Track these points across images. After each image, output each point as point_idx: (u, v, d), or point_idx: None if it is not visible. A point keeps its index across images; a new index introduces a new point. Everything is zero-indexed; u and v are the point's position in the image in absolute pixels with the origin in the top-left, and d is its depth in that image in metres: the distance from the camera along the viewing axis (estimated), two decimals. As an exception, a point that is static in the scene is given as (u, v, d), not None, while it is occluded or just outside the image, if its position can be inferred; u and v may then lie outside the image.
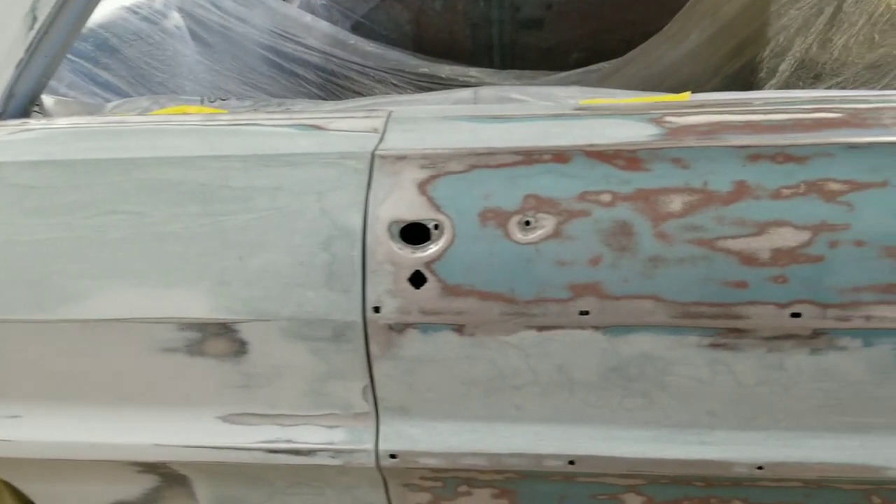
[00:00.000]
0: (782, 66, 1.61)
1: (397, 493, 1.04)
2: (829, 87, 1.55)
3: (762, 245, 0.84)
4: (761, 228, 0.84)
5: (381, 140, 0.92)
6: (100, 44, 1.52)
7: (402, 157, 0.90)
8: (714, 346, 0.88)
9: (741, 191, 0.85)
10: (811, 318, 0.85)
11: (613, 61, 2.00)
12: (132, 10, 1.69)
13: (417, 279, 0.89)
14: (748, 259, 0.85)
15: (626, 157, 0.87)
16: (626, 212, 0.86)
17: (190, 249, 0.92)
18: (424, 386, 0.95)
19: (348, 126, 0.95)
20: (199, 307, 0.93)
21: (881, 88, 1.48)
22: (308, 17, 2.26)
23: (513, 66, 2.47)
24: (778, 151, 0.85)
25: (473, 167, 0.89)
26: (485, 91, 1.13)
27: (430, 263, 0.89)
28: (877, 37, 1.53)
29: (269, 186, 0.91)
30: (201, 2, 1.96)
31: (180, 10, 1.85)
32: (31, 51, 1.00)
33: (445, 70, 2.33)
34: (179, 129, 0.97)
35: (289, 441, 1.00)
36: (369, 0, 2.44)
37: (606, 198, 0.87)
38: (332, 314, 0.92)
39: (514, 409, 0.96)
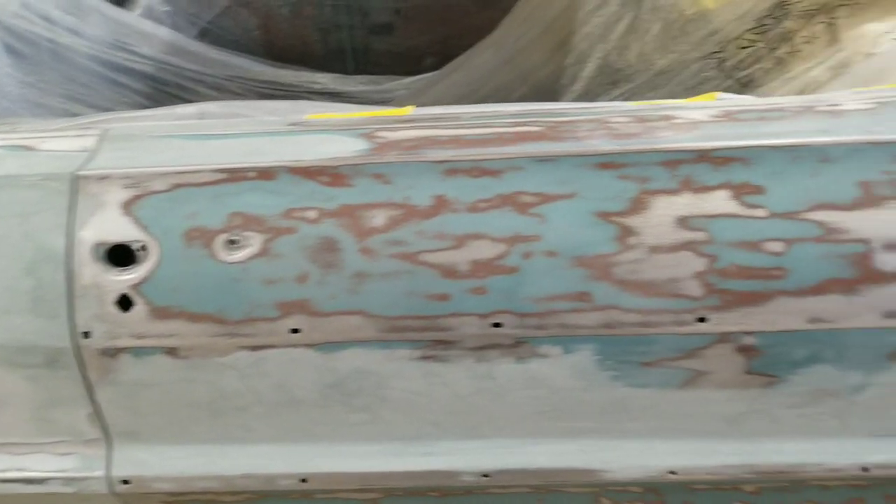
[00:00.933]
0: (583, 73, 1.64)
1: (136, 519, 1.02)
2: (623, 93, 1.59)
3: (461, 258, 0.85)
4: (460, 241, 0.85)
5: (89, 160, 0.90)
6: None
7: (104, 178, 0.88)
8: (425, 358, 0.89)
9: (440, 205, 0.86)
10: (512, 327, 0.86)
11: (443, 68, 2.01)
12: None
13: (125, 302, 0.88)
14: (449, 272, 0.85)
15: (330, 174, 0.87)
16: (332, 228, 0.86)
17: None
18: (149, 410, 0.93)
19: (60, 146, 0.92)
20: None
21: (668, 94, 1.52)
22: (147, 25, 2.21)
23: (366, 72, 2.46)
24: (473, 165, 0.86)
25: (178, 186, 0.88)
26: (210, 106, 1.11)
27: (136, 286, 0.87)
28: (669, 43, 1.57)
29: (-28, 211, 0.88)
30: (22, 13, 1.89)
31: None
32: None
33: (290, 76, 2.31)
34: None
35: (20, 470, 0.97)
36: (214, 6, 2.40)
37: (312, 214, 0.87)
38: (41, 340, 0.89)
39: (243, 430, 0.95)
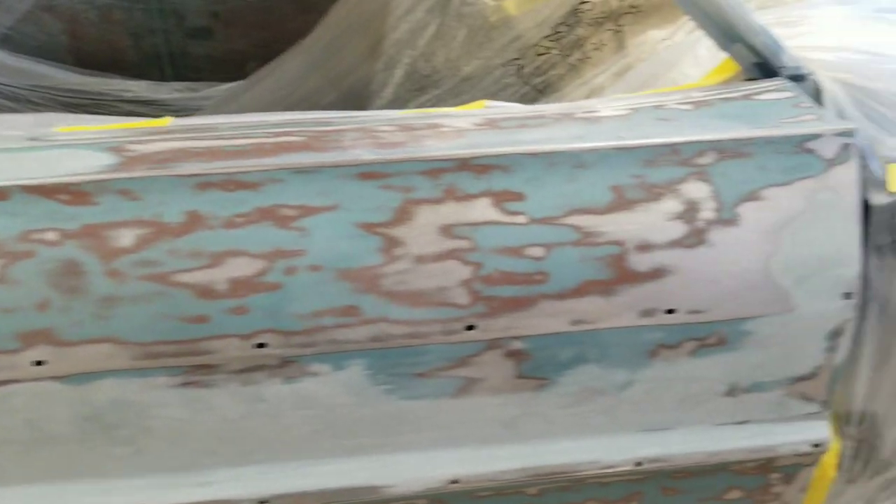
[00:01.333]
0: (392, 79, 1.63)
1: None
2: (430, 99, 1.59)
3: (219, 276, 0.81)
4: (217, 259, 0.81)
5: None
6: None
7: None
8: (186, 384, 0.84)
9: (193, 221, 0.81)
10: (277, 347, 0.83)
11: (253, 74, 1.95)
12: None
13: None
14: (205, 292, 0.81)
15: (71, 192, 0.80)
16: (74, 250, 0.80)
17: None
18: None
19: None
20: None
21: (472, 99, 1.53)
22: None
23: (186, 78, 2.35)
24: (228, 179, 0.82)
25: None
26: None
27: None
28: (474, 50, 1.59)
29: None
30: None
31: None
32: None
33: (98, 84, 2.18)
34: None
35: None
36: (14, 11, 2.22)
37: (52, 236, 0.80)
38: None
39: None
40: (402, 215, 0.83)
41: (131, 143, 0.85)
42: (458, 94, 1.55)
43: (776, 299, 0.87)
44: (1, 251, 0.79)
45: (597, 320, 0.85)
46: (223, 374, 0.84)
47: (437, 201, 0.83)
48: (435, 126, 0.88)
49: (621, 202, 0.85)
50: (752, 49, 0.94)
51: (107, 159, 0.83)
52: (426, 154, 0.84)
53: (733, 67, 0.98)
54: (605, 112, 0.91)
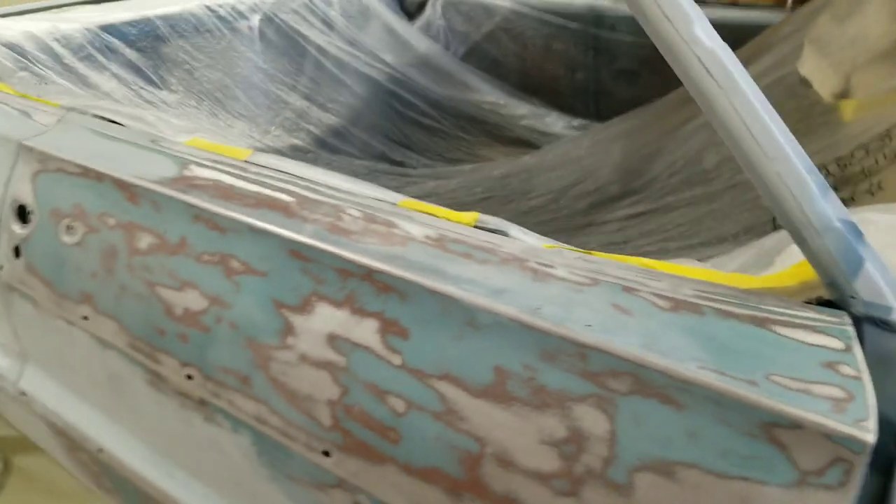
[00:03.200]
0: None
1: None
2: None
3: (179, 301, 0.88)
4: (183, 285, 0.88)
5: (37, 134, 1.13)
6: (147, 32, 1.89)
7: (30, 150, 1.10)
8: (149, 382, 0.93)
9: (181, 245, 0.89)
10: (198, 385, 0.86)
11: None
12: (210, 8, 2.05)
13: (17, 251, 1.09)
14: (169, 311, 0.89)
15: (131, 191, 0.96)
16: (117, 238, 0.95)
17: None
18: (36, 342, 1.15)
19: (40, 119, 1.16)
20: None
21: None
22: (414, 37, 2.41)
23: (607, 116, 2.38)
24: (211, 218, 0.87)
25: (59, 170, 1.05)
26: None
27: (23, 241, 1.08)
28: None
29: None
30: (301, 11, 2.23)
31: (270, 18, 2.15)
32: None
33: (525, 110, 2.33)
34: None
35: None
36: (481, 27, 2.50)
37: (111, 221, 0.97)
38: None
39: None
40: (307, 305, 0.77)
41: (197, 164, 0.96)
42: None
43: None
44: (87, 222, 1.00)
45: (432, 521, 0.67)
46: (169, 387, 0.91)
47: (337, 304, 0.75)
48: (391, 226, 0.78)
49: (499, 391, 0.63)
50: (813, 256, 0.57)
51: (169, 172, 0.96)
52: (345, 252, 0.75)
53: (811, 273, 0.60)
54: (561, 272, 0.67)
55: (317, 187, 0.88)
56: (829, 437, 0.48)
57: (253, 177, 0.91)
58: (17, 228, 1.08)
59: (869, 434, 0.47)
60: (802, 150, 0.59)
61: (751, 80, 0.60)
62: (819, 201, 0.58)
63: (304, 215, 0.82)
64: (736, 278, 0.64)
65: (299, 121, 2.00)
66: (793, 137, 0.59)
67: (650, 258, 0.72)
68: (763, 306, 0.58)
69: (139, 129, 1.09)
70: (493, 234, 0.75)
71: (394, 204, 0.82)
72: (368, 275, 0.73)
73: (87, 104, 1.20)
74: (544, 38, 2.31)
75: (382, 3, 2.43)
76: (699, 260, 0.82)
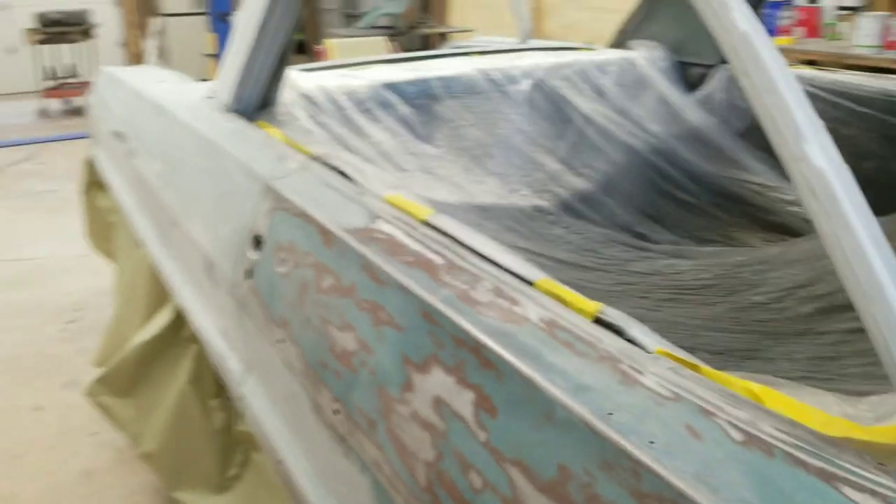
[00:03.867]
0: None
1: None
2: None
3: (340, 339, 0.96)
4: (344, 326, 0.96)
5: (280, 176, 1.30)
6: (423, 91, 2.08)
7: (268, 189, 1.27)
8: (313, 410, 1.03)
9: (350, 290, 0.97)
10: (341, 422, 0.93)
11: None
12: (484, 72, 2.19)
13: (249, 273, 1.27)
14: (331, 347, 0.98)
15: (327, 234, 1.07)
16: (310, 275, 1.07)
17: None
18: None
19: (283, 163, 1.34)
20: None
21: None
22: (688, 108, 2.34)
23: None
24: (371, 269, 0.94)
25: (276, 209, 1.21)
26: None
27: (254, 263, 1.26)
28: None
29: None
30: (575, 80, 2.30)
31: (540, 84, 2.23)
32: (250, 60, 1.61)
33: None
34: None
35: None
36: (746, 117, 2.34)
37: (310, 259, 1.09)
38: (227, 266, 1.37)
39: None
40: (426, 366, 0.80)
41: (383, 218, 1.04)
42: None
43: None
44: (295, 257, 1.13)
45: None
46: (323, 418, 1.00)
47: (447, 370, 0.77)
48: (514, 303, 0.78)
49: (559, 491, 0.61)
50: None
51: (360, 223, 1.06)
52: (462, 321, 0.77)
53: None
54: (649, 380, 0.62)
55: (467, 255, 0.91)
56: None
57: (419, 236, 0.97)
58: (252, 255, 1.26)
59: None
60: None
61: (862, 204, 0.52)
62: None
63: (445, 280, 0.86)
64: (840, 423, 0.55)
65: (549, 183, 2.05)
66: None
67: (847, 380, 0.64)
68: (839, 461, 0.50)
69: (356, 180, 1.21)
70: (607, 328, 0.72)
71: (531, 283, 0.82)
72: (476, 348, 0.74)
73: (330, 154, 1.36)
74: (831, 121, 2.10)
75: (661, 73, 2.40)
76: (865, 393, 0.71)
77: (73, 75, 7.85)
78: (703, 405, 0.58)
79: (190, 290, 1.65)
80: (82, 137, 5.91)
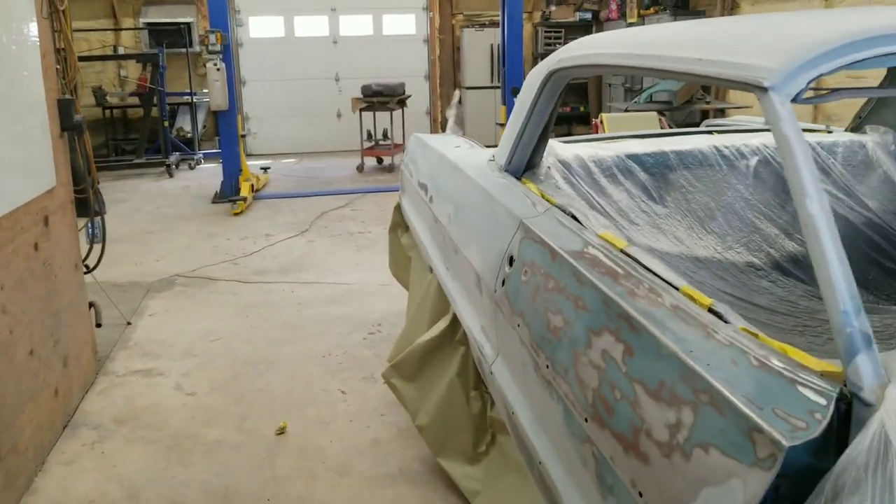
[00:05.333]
0: None
1: None
2: None
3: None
4: (557, 310, 1.47)
5: (534, 216, 1.85)
6: (660, 162, 2.52)
7: (527, 233, 1.83)
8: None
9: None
10: (549, 372, 1.44)
11: None
12: (717, 148, 2.59)
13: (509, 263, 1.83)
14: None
15: (552, 252, 1.59)
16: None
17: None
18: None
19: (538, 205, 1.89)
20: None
21: None
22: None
23: None
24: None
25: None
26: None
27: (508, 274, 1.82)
28: None
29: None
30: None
31: (767, 160, 2.57)
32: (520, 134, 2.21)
33: None
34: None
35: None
36: None
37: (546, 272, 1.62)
38: (487, 274, 1.94)
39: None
40: (600, 332, 1.29)
41: (591, 245, 1.54)
42: None
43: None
44: (532, 269, 1.66)
45: None
46: (539, 373, 1.51)
47: (611, 333, 1.25)
48: (658, 296, 1.24)
49: (660, 394, 1.07)
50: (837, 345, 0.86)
51: (576, 246, 1.56)
52: (625, 305, 1.25)
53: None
54: (720, 336, 1.05)
55: (641, 270, 1.37)
56: (774, 442, 0.83)
57: (613, 257, 1.46)
58: (507, 269, 1.82)
59: (790, 441, 0.82)
60: (852, 279, 0.90)
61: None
62: (851, 314, 0.89)
63: (621, 282, 1.34)
64: (806, 357, 0.95)
65: (763, 244, 2.37)
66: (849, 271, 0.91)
67: None
68: (803, 375, 0.91)
69: (582, 221, 1.72)
70: (713, 314, 1.15)
71: (677, 287, 1.27)
72: (628, 319, 1.22)
73: (568, 203, 1.88)
74: None
75: (890, 156, 2.61)
76: None
77: (386, 138, 9.22)
78: (745, 349, 1.01)
79: (463, 299, 2.26)
80: (390, 190, 7.07)
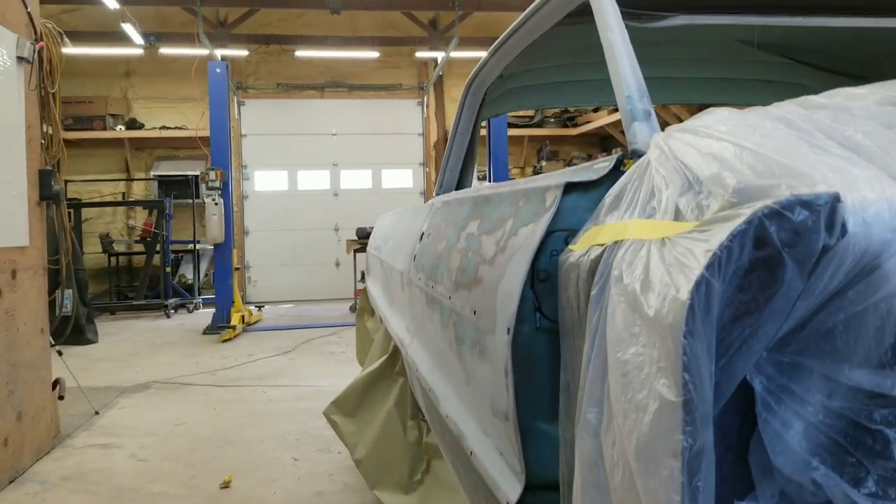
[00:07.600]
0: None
1: None
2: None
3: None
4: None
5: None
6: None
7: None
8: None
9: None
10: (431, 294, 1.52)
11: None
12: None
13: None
14: None
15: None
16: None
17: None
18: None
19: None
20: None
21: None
22: None
23: None
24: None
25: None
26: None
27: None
28: None
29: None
30: None
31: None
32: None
33: None
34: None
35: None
36: None
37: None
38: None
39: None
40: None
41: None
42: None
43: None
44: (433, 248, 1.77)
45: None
46: (436, 302, 1.58)
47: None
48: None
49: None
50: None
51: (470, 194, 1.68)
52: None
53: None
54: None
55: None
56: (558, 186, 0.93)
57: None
58: (417, 246, 1.93)
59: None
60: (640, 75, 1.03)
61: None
62: (635, 98, 1.02)
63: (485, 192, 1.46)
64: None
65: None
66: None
67: None
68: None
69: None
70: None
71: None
72: (485, 199, 1.33)
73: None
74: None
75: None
76: None
77: (380, 281, 9.44)
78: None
79: (393, 311, 2.34)
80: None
